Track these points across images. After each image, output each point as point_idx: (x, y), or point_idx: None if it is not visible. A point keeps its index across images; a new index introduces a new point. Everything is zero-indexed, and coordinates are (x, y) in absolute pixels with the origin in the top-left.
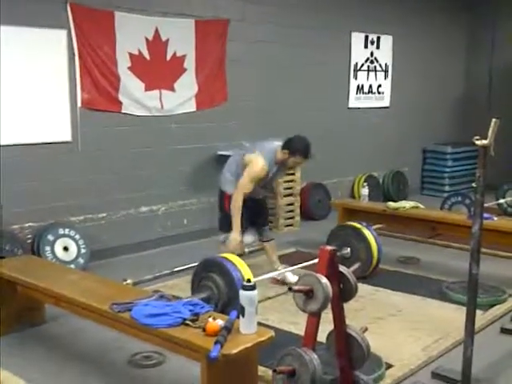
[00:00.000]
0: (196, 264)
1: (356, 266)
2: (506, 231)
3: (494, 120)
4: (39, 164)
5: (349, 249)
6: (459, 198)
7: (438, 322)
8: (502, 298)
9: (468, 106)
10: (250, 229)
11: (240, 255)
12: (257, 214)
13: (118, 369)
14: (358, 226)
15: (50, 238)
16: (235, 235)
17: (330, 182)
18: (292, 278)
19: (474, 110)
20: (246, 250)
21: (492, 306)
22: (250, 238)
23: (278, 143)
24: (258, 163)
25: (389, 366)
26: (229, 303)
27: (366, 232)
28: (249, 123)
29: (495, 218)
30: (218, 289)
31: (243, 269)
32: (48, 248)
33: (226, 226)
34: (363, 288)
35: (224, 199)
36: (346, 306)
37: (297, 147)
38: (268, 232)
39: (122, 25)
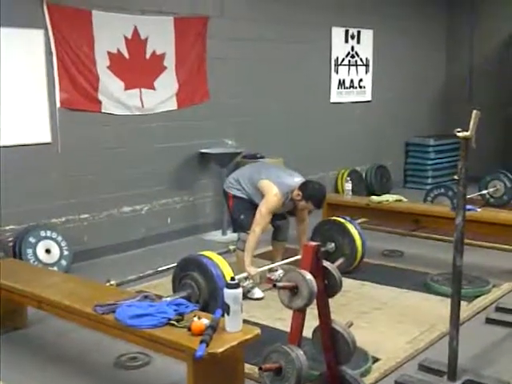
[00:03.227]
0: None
1: (340, 260)
2: (489, 222)
3: (474, 112)
4: (19, 166)
5: (333, 244)
6: (442, 190)
7: (423, 314)
8: (487, 288)
9: (449, 98)
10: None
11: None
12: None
13: (103, 371)
14: (342, 220)
15: (32, 240)
16: (249, 270)
17: (314, 177)
18: (258, 294)
19: (456, 102)
20: (231, 247)
21: (477, 296)
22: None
23: (298, 180)
24: (273, 198)
25: (375, 360)
26: (210, 300)
27: (350, 226)
28: (231, 121)
29: (478, 209)
30: (199, 286)
31: (222, 265)
32: (30, 251)
33: (234, 226)
34: (348, 282)
35: (228, 199)
36: (331, 300)
37: (312, 194)
38: (286, 229)
39: (100, 24)
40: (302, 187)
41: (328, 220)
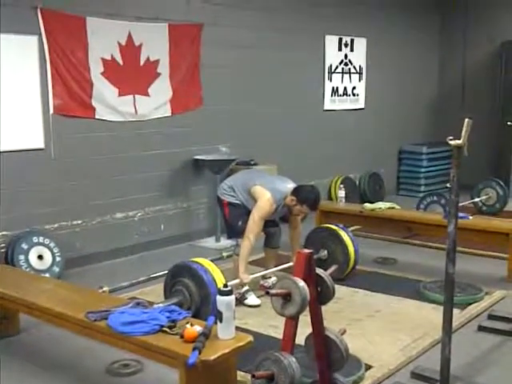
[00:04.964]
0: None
1: (333, 268)
2: (481, 230)
3: (466, 120)
4: (12, 172)
5: (326, 251)
6: (435, 198)
7: (416, 321)
8: (479, 296)
9: (443, 105)
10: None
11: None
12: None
13: (95, 378)
14: (335, 228)
15: (24, 246)
16: (243, 277)
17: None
18: (254, 301)
19: (449, 110)
20: (225, 254)
21: (469, 304)
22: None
23: (290, 186)
24: (266, 203)
25: (368, 368)
26: (201, 306)
27: (343, 234)
28: (224, 127)
29: (470, 217)
30: (190, 293)
31: (214, 271)
32: (22, 257)
33: (230, 233)
34: (341, 290)
35: (223, 206)
36: (324, 308)
37: (306, 197)
38: (278, 236)
39: (95, 30)
40: (295, 192)
41: (321, 227)
